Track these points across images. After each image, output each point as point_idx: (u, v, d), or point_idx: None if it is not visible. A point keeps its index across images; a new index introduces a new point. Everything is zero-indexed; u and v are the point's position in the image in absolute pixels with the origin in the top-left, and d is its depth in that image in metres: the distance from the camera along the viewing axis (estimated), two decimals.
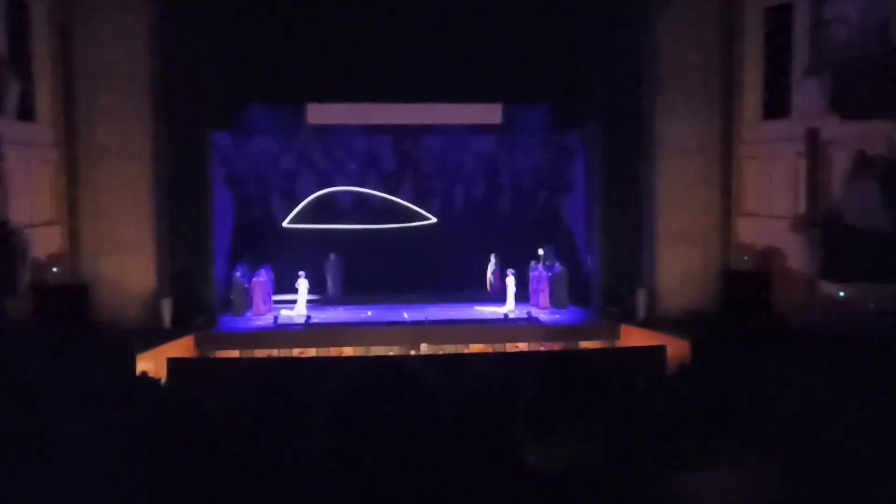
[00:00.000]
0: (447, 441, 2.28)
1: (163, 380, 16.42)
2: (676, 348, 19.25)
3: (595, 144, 24.19)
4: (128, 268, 21.67)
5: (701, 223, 22.93)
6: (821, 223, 19.90)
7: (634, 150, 23.03)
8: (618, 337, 22.58)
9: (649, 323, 22.25)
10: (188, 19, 21.88)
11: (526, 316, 23.86)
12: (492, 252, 26.66)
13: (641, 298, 22.80)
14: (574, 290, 25.33)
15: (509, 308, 24.65)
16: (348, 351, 21.87)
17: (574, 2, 23.43)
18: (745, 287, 21.68)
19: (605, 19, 23.02)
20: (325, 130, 26.04)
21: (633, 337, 22.06)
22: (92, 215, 21.62)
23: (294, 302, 24.84)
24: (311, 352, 21.74)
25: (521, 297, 25.24)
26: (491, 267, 26.83)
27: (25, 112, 20.32)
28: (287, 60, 23.33)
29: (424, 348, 21.57)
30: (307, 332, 22.73)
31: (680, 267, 22.78)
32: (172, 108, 21.81)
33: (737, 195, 22.90)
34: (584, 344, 22.19)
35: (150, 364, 18.18)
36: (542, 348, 21.93)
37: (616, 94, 23.09)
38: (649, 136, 22.69)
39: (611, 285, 23.69)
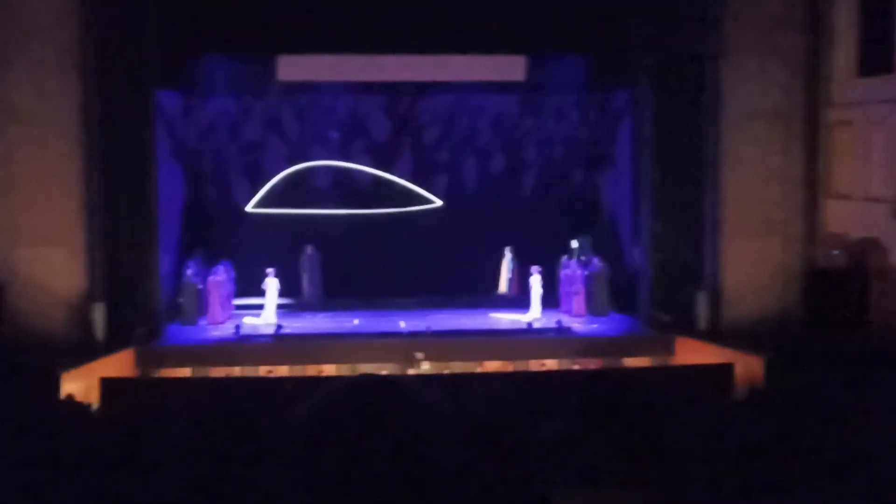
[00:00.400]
0: (451, 486, 2.28)
1: (94, 405, 16.46)
2: (747, 367, 19.21)
3: (645, 107, 24.14)
4: (50, 264, 21.69)
5: (778, 208, 22.87)
6: None
7: (695, 114, 22.98)
8: (672, 353, 22.55)
9: (712, 335, 22.21)
10: None
11: (555, 326, 23.86)
12: (510, 245, 26.68)
13: (702, 304, 22.76)
14: (617, 292, 25.31)
15: (534, 316, 24.65)
16: (329, 370, 21.88)
17: None
18: (834, 289, 21.62)
19: None
20: (299, 89, 26.04)
21: (692, 353, 22.02)
22: (3, 197, 21.65)
23: (261, 307, 24.89)
24: (283, 371, 21.76)
25: (549, 301, 25.25)
26: (507, 263, 26.83)
27: None
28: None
29: (424, 365, 21.58)
30: (277, 345, 22.75)
31: (752, 264, 22.73)
32: (105, 60, 21.82)
33: (825, 172, 22.84)
34: (630, 361, 22.17)
35: (79, 385, 18.21)
36: (575, 367, 21.93)
37: (673, 43, 23.04)
38: (714, 97, 22.64)
39: (663, 287, 23.66)
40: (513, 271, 26.89)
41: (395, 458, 2.19)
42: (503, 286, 27.14)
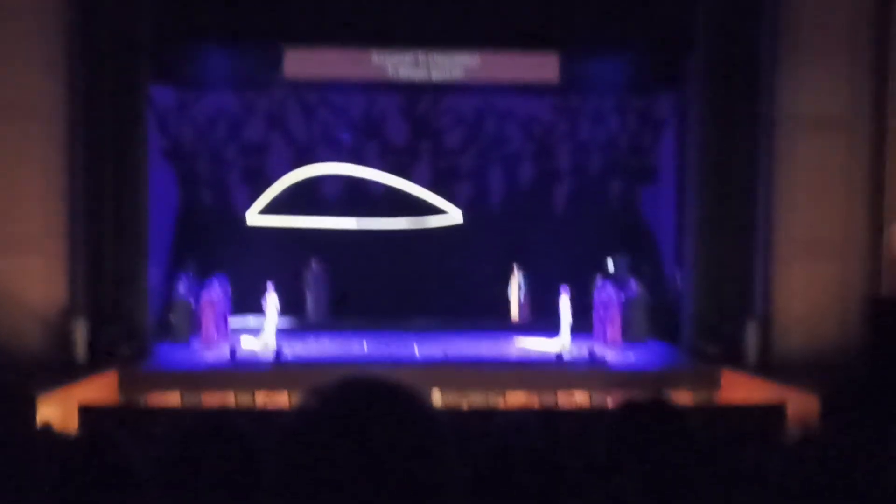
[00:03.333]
0: None
1: (72, 434, 16.48)
2: (801, 405, 19.14)
3: (692, 113, 24.15)
4: (27, 274, 21.77)
5: (839, 229, 22.80)
6: None
7: (748, 122, 22.96)
8: (718, 387, 22.48)
9: (763, 368, 22.14)
10: None
11: (587, 355, 23.82)
12: (524, 262, 26.71)
13: (752, 334, 22.69)
14: (657, 319, 25.29)
15: (563, 342, 24.62)
16: None
17: None
18: None
19: None
20: (307, 85, 26.17)
21: (740, 388, 21.96)
22: None
23: (259, 327, 24.94)
24: (282, 399, 21.79)
25: (581, 326, 25.23)
26: (517, 283, 26.85)
27: None
28: None
29: (438, 397, 21.57)
30: (277, 370, 22.77)
31: (808, 290, 22.66)
32: (93, 49, 21.94)
33: (891, 189, 22.77)
34: (671, 396, 22.12)
35: (56, 411, 18.25)
36: (609, 401, 21.89)
37: (725, 42, 23.03)
38: (769, 104, 22.63)
39: (709, 314, 23.61)
40: (524, 294, 26.91)
41: (385, 470, 2.21)
42: (514, 313, 27.11)
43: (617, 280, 25.91)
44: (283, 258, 26.32)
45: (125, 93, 22.63)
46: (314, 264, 26.72)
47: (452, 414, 18.53)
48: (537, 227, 27.38)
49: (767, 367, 22.20)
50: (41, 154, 21.82)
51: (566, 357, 23.89)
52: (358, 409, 2.25)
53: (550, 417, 18.42)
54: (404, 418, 2.26)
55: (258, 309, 24.93)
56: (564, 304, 24.91)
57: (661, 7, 23.80)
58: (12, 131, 21.66)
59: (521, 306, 27.09)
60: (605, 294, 25.54)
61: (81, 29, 21.71)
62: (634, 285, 25.57)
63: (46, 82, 21.70)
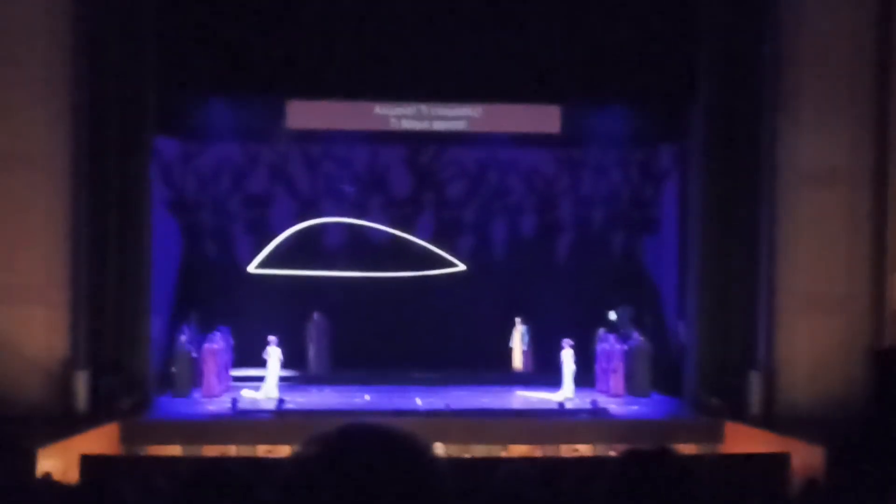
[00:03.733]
0: None
1: (73, 485, 16.39)
2: (805, 457, 19.03)
3: (694, 165, 24.20)
4: (28, 324, 21.74)
5: (842, 281, 22.76)
6: None
7: (749, 173, 22.99)
8: (722, 440, 22.38)
9: (767, 420, 22.05)
10: None
11: (590, 406, 23.73)
12: (527, 314, 26.65)
13: (755, 385, 22.61)
14: (660, 370, 25.20)
15: (566, 394, 24.53)
16: None
17: None
18: None
19: None
20: (311, 137, 26.27)
21: (744, 440, 21.86)
22: None
23: (261, 379, 24.87)
24: (284, 451, 21.69)
25: (584, 379, 25.15)
26: (518, 335, 26.82)
27: None
28: (262, 39, 23.54)
29: (440, 450, 21.47)
30: (279, 421, 22.68)
31: (811, 342, 22.60)
32: (98, 101, 22.02)
33: (894, 241, 22.75)
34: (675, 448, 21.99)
35: (57, 462, 18.16)
36: (612, 453, 21.78)
37: (726, 94, 23.11)
38: (770, 155, 22.67)
39: (712, 366, 23.54)
40: (527, 344, 26.87)
41: None
42: (517, 361, 27.10)
43: (619, 331, 25.87)
44: (285, 310, 26.29)
45: (130, 145, 22.70)
46: (316, 316, 26.67)
47: (455, 465, 18.44)
48: (540, 279, 27.38)
49: (771, 419, 22.11)
50: (45, 205, 21.85)
51: (569, 407, 23.81)
52: (357, 456, 2.24)
53: (552, 468, 18.33)
54: (403, 465, 2.25)
55: (260, 360, 24.86)
56: (567, 356, 24.86)
57: (661, 59, 23.89)
58: (17, 182, 21.70)
59: (523, 358, 27.03)
60: (607, 345, 25.50)
61: (87, 81, 21.80)
62: (637, 337, 25.51)
63: (51, 133, 21.76)
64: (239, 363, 25.60)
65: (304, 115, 25.05)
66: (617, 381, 25.15)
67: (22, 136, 21.70)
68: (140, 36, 22.43)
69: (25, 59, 21.61)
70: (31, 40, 21.62)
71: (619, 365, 25.21)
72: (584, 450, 22.19)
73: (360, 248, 27.33)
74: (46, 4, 21.64)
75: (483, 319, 26.72)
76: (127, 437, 21.58)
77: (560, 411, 23.64)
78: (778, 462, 18.91)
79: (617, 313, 26.19)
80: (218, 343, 24.75)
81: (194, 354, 24.64)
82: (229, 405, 23.36)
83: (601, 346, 25.61)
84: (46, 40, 21.65)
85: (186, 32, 23.17)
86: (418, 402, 23.82)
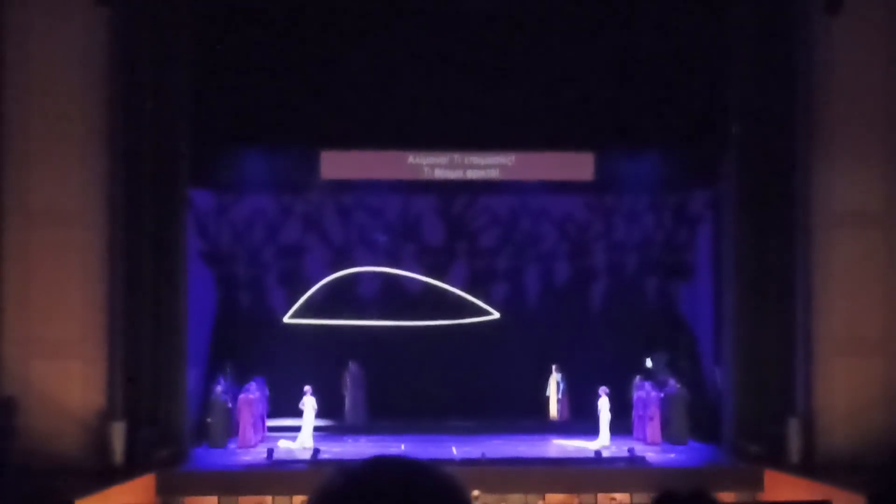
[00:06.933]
0: None
1: None
2: None
3: (728, 210, 24.12)
4: (66, 378, 21.85)
5: (880, 325, 22.61)
6: None
7: (784, 217, 22.90)
8: (761, 488, 22.18)
9: (807, 468, 21.84)
10: (159, 34, 22.39)
11: (627, 454, 23.57)
12: (562, 362, 26.56)
13: (795, 432, 22.42)
14: (697, 418, 25.02)
15: (602, 443, 24.40)
16: None
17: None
18: None
19: (743, 33, 23.12)
20: (344, 188, 26.39)
21: (784, 488, 21.66)
22: (18, 303, 21.93)
23: (297, 429, 24.83)
24: None
25: (621, 427, 25.01)
26: (554, 383, 26.69)
27: None
28: (294, 91, 23.72)
29: (477, 497, 21.36)
30: (314, 472, 22.62)
31: (850, 387, 22.41)
32: (134, 156, 22.19)
33: None
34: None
35: None
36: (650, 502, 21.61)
37: (759, 138, 23.07)
38: (805, 199, 22.58)
39: (750, 412, 23.35)
40: (563, 392, 26.75)
41: None
42: (553, 410, 26.97)
43: (656, 378, 25.72)
44: (320, 359, 26.31)
45: (165, 197, 22.82)
46: (352, 366, 26.67)
47: None
48: (574, 326, 27.31)
49: (811, 466, 21.89)
50: (82, 259, 22.01)
51: (605, 456, 23.66)
52: (386, 487, 2.22)
53: None
54: (433, 496, 2.23)
55: (296, 410, 24.83)
56: (603, 404, 24.75)
57: (694, 104, 23.92)
58: (54, 237, 21.90)
59: (559, 406, 26.91)
60: (643, 393, 25.35)
61: (122, 135, 21.97)
62: (673, 384, 25.35)
63: (87, 187, 21.96)
64: (274, 413, 25.61)
65: (337, 165, 25.14)
66: (654, 429, 24.98)
67: (59, 191, 21.91)
68: (175, 89, 22.63)
69: (62, 115, 21.84)
70: (69, 95, 21.86)
71: (655, 412, 25.05)
72: (621, 498, 22.05)
73: (394, 297, 27.37)
74: (83, 59, 21.88)
75: (518, 367, 26.64)
76: (163, 489, 21.58)
77: (597, 459, 23.49)
78: None
79: (653, 360, 26.05)
80: (253, 393, 24.77)
81: (230, 405, 24.66)
82: (265, 455, 23.35)
83: (637, 394, 25.47)
84: (83, 95, 21.89)
85: (221, 85, 23.38)
86: (454, 450, 23.73)
